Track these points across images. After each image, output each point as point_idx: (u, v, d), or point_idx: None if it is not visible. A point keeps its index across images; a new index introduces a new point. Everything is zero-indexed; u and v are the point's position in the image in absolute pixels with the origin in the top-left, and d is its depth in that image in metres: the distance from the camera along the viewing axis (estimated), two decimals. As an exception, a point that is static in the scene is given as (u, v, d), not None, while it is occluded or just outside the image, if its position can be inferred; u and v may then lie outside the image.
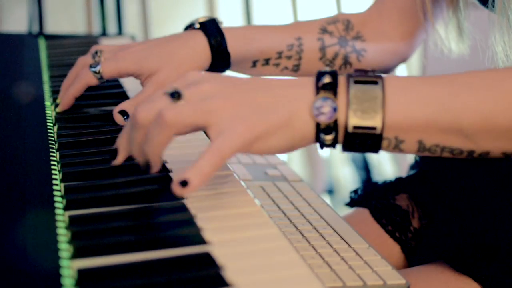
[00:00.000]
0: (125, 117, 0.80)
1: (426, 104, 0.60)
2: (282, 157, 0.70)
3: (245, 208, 0.61)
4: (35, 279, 0.49)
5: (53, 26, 2.25)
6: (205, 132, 0.64)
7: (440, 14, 0.91)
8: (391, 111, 0.59)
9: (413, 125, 0.60)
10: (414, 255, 0.86)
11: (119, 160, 0.63)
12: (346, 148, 0.61)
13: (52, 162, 0.69)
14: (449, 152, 0.62)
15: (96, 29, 2.22)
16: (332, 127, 0.59)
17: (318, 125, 0.59)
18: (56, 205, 0.60)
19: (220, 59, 0.86)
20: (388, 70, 0.98)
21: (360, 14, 0.96)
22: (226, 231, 0.57)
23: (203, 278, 0.50)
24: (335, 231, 0.75)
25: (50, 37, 1.23)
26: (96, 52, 0.84)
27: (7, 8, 2.36)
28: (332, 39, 0.92)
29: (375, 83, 0.60)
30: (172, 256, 0.53)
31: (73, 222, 0.58)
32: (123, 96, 0.90)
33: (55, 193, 0.62)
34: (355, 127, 0.59)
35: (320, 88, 0.60)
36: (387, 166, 2.29)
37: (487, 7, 0.79)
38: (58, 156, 0.71)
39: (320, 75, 0.60)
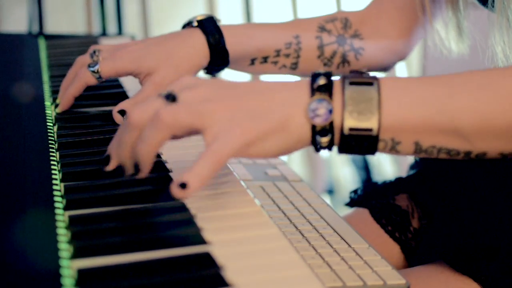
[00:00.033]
0: (125, 116, 0.80)
1: (422, 105, 0.59)
2: (282, 157, 0.70)
3: (245, 208, 0.61)
4: (35, 279, 0.49)
5: (53, 26, 2.24)
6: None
7: (439, 13, 0.91)
8: (387, 112, 0.59)
9: (409, 126, 0.59)
10: (414, 255, 0.86)
11: (111, 166, 0.62)
12: (342, 150, 0.61)
13: (52, 162, 0.69)
14: (446, 153, 0.61)
15: (96, 29, 2.22)
16: (328, 129, 0.59)
17: (313, 127, 0.59)
18: (56, 205, 0.60)
19: (218, 57, 0.86)
20: (387, 68, 0.97)
21: (359, 12, 0.96)
22: (226, 231, 0.57)
23: (203, 278, 0.50)
24: (335, 231, 0.75)
25: (50, 37, 1.23)
26: (94, 52, 0.84)
27: (7, 8, 2.36)
28: (330, 38, 0.92)
29: (371, 84, 0.59)
30: (172, 256, 0.53)
31: (73, 222, 0.58)
32: (123, 96, 0.90)
33: (55, 193, 0.62)
34: (351, 129, 0.59)
35: (315, 89, 0.59)
36: (387, 166, 2.29)
37: (487, 7, 0.79)
38: (58, 156, 0.71)
39: (314, 76, 0.60)
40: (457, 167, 0.86)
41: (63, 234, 0.55)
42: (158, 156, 0.71)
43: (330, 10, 0.97)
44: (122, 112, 0.80)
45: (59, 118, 0.82)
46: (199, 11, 2.34)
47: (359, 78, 0.60)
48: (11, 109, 0.83)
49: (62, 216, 0.58)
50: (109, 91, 0.91)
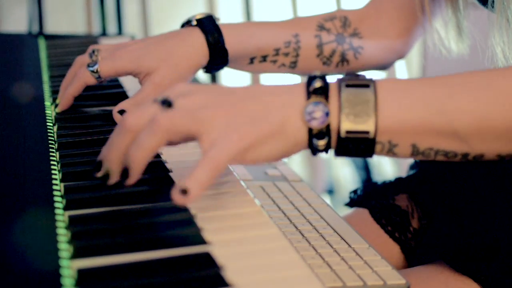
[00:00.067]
0: (120, 120, 0.80)
1: (419, 106, 0.59)
2: (282, 157, 0.69)
3: (245, 208, 0.61)
4: (35, 279, 0.49)
5: (53, 26, 2.25)
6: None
7: (438, 13, 0.91)
8: (384, 115, 0.59)
9: (406, 128, 0.59)
10: (413, 256, 0.86)
11: (101, 173, 0.60)
12: (339, 153, 0.60)
13: (52, 162, 0.69)
14: (443, 155, 0.61)
15: (96, 29, 2.22)
16: (324, 132, 0.59)
17: (310, 130, 0.59)
18: (56, 205, 0.60)
19: (217, 56, 0.86)
20: (386, 67, 0.97)
21: (358, 11, 0.96)
22: (226, 231, 0.57)
23: (203, 278, 0.50)
24: (335, 231, 0.75)
25: (50, 37, 1.23)
26: (93, 51, 0.84)
27: (7, 8, 2.36)
28: (330, 36, 0.92)
29: (367, 86, 0.59)
30: (172, 256, 0.53)
31: (73, 222, 0.58)
32: (123, 96, 0.90)
33: (55, 193, 0.62)
34: (348, 132, 0.58)
35: (311, 92, 0.59)
36: (387, 166, 2.29)
37: (487, 7, 0.79)
38: (58, 156, 0.71)
39: (310, 79, 0.59)
40: (457, 167, 0.86)
41: (63, 234, 0.55)
42: (158, 156, 0.71)
43: (330, 10, 0.96)
44: (122, 112, 0.80)
45: (59, 118, 0.82)
46: (199, 11, 2.34)
47: (355, 80, 0.59)
48: (11, 109, 0.83)
49: (62, 216, 0.58)
50: (109, 91, 0.91)
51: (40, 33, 1.76)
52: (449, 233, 0.79)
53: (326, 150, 0.60)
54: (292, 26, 0.92)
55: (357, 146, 0.59)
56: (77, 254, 0.53)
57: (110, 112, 0.81)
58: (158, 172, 0.67)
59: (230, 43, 0.86)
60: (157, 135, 0.57)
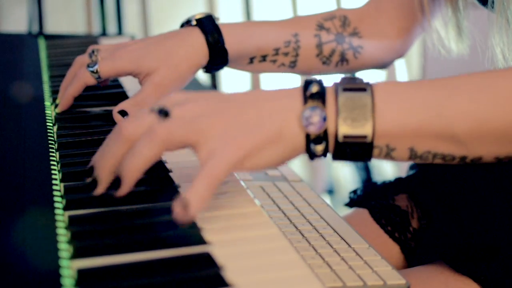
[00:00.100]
0: (125, 117, 0.80)
1: (417, 110, 0.58)
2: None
3: (245, 208, 0.61)
4: (35, 279, 0.49)
5: (53, 26, 2.25)
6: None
7: (438, 12, 0.91)
8: (382, 119, 0.58)
9: (404, 132, 0.59)
10: (413, 256, 0.86)
11: (90, 179, 0.60)
12: (336, 157, 0.60)
13: (52, 162, 0.69)
14: (441, 159, 0.60)
15: (96, 29, 2.22)
16: (322, 137, 0.58)
17: (308, 135, 0.58)
18: (56, 205, 0.60)
19: (217, 56, 0.86)
20: (385, 65, 0.97)
21: (358, 10, 0.95)
22: (226, 231, 0.57)
23: (203, 278, 0.50)
24: (335, 231, 0.75)
25: (50, 37, 1.23)
26: (93, 51, 0.84)
27: (7, 8, 2.36)
28: (329, 36, 0.92)
29: (364, 89, 0.59)
30: (172, 256, 0.53)
31: (72, 222, 0.58)
32: (123, 96, 0.90)
33: (55, 193, 0.62)
34: (345, 136, 0.58)
35: (308, 97, 0.58)
36: (387, 166, 2.29)
37: (487, 7, 0.79)
38: (58, 156, 0.71)
39: (307, 84, 0.59)
40: (457, 168, 0.86)
41: (63, 234, 0.55)
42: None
43: (329, 9, 0.96)
44: (122, 113, 0.80)
45: (59, 118, 0.82)
46: (199, 11, 2.34)
47: (352, 84, 0.59)
48: (11, 109, 0.83)
49: (62, 216, 0.58)
50: (109, 91, 0.91)
51: (40, 33, 1.76)
52: (449, 233, 0.79)
53: (324, 154, 0.59)
54: (291, 25, 0.92)
55: (355, 151, 0.59)
56: (77, 254, 0.53)
57: (110, 112, 0.81)
58: (158, 172, 0.67)
59: (230, 43, 0.86)
60: (154, 145, 0.56)
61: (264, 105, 0.59)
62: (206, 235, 0.56)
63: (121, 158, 0.58)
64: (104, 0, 2.21)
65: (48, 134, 0.76)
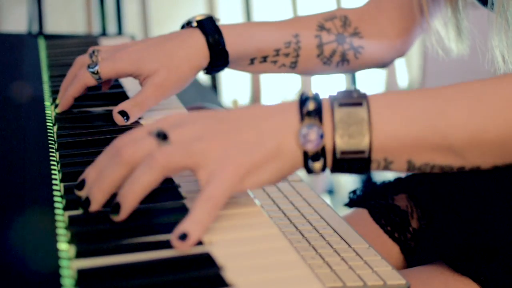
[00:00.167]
0: (125, 117, 0.80)
1: (413, 123, 0.58)
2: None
3: (245, 208, 0.61)
4: (35, 279, 0.49)
5: (52, 26, 2.25)
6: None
7: (438, 13, 0.91)
8: (378, 133, 0.58)
9: (401, 146, 0.59)
10: (413, 256, 0.86)
11: (83, 194, 0.60)
12: (335, 171, 0.60)
13: (51, 162, 0.69)
14: (439, 169, 0.61)
15: (96, 29, 2.22)
16: (320, 154, 0.58)
17: (305, 152, 0.58)
18: (56, 205, 0.60)
19: (218, 58, 0.86)
20: (385, 65, 0.97)
21: (358, 9, 0.95)
22: (226, 231, 0.57)
23: (203, 278, 0.50)
24: (335, 231, 0.75)
25: (49, 37, 1.23)
26: (94, 52, 0.84)
27: (7, 8, 2.36)
28: (330, 36, 0.92)
29: (360, 104, 0.58)
30: (172, 256, 0.53)
31: (72, 222, 0.58)
32: (123, 96, 0.90)
33: (55, 193, 0.62)
34: (343, 152, 0.58)
35: (304, 115, 0.58)
36: (386, 166, 2.28)
37: (487, 6, 0.79)
38: (57, 156, 0.71)
39: (303, 101, 0.59)
40: (457, 168, 0.86)
41: (62, 234, 0.55)
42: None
43: (329, 8, 0.96)
44: (123, 113, 0.80)
45: (58, 118, 0.82)
46: (199, 11, 2.34)
47: (348, 99, 0.59)
48: (11, 109, 0.83)
49: (62, 216, 0.58)
50: (109, 91, 0.91)
51: (40, 33, 1.76)
52: (448, 233, 0.79)
53: (322, 170, 0.60)
54: (292, 26, 0.92)
55: (353, 165, 0.59)
56: (77, 254, 0.53)
57: (110, 112, 0.81)
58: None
59: (231, 44, 0.86)
60: (154, 172, 0.56)
61: (262, 124, 0.59)
62: (206, 235, 0.56)
63: (118, 182, 0.58)
64: (104, 0, 2.21)
65: (48, 134, 0.76)
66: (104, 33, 2.13)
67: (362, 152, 0.58)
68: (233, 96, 2.46)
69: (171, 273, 0.51)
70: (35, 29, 2.10)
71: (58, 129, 0.79)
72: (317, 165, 0.59)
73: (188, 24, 0.87)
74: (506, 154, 0.60)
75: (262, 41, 0.89)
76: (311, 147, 0.58)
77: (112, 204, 0.57)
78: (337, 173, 0.60)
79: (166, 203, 0.61)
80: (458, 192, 0.83)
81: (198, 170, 0.57)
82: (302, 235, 0.74)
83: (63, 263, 0.51)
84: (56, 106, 0.85)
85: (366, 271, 0.67)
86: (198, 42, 0.85)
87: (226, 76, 2.32)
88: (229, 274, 0.50)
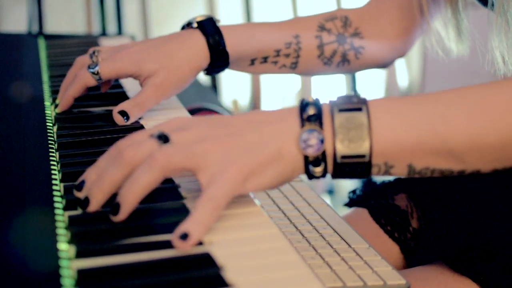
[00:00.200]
0: (125, 117, 0.80)
1: (414, 127, 0.59)
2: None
3: (245, 208, 0.61)
4: (35, 279, 0.49)
5: (52, 26, 2.25)
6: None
7: (437, 13, 0.91)
8: (378, 138, 0.59)
9: (401, 150, 0.59)
10: (413, 256, 0.86)
11: (82, 195, 0.60)
12: (336, 176, 0.61)
13: (51, 162, 0.69)
14: (440, 173, 0.61)
15: (96, 29, 2.22)
16: (320, 159, 0.59)
17: (306, 157, 0.59)
18: (56, 205, 0.60)
19: (218, 59, 0.86)
20: (386, 65, 0.97)
21: (359, 10, 0.95)
22: (226, 231, 0.57)
23: (203, 278, 0.50)
24: (335, 231, 0.75)
25: (49, 37, 1.23)
26: (94, 52, 0.84)
27: (7, 8, 2.36)
28: (330, 37, 0.92)
29: (359, 109, 0.59)
30: (172, 257, 0.53)
31: (72, 222, 0.58)
32: (123, 96, 0.90)
33: (55, 193, 0.62)
34: (343, 157, 0.59)
35: (305, 120, 0.59)
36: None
37: (487, 7, 0.79)
38: (57, 156, 0.71)
39: (303, 106, 0.59)
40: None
41: (62, 234, 0.55)
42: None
43: (330, 9, 0.96)
44: (123, 113, 0.80)
45: (58, 118, 0.82)
46: (199, 11, 2.34)
47: (348, 104, 0.59)
48: (11, 109, 0.83)
49: (61, 216, 0.58)
50: (109, 91, 0.91)
51: (40, 33, 1.76)
52: (448, 233, 0.79)
53: (323, 175, 0.60)
54: (292, 26, 0.92)
55: (354, 170, 0.59)
56: (77, 254, 0.53)
57: (110, 112, 0.81)
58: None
59: (231, 45, 0.86)
60: (154, 172, 0.57)
61: (263, 129, 0.59)
62: (206, 235, 0.56)
63: (119, 182, 0.58)
64: (104, 0, 2.21)
65: (48, 134, 0.76)
66: (104, 33, 2.13)
67: (362, 156, 0.59)
68: (233, 96, 2.47)
69: (171, 273, 0.51)
70: (35, 29, 2.10)
71: (58, 129, 0.79)
72: (318, 170, 0.59)
73: (188, 25, 0.87)
74: (506, 158, 0.60)
75: (262, 41, 0.89)
76: (311, 152, 0.58)
77: (112, 204, 0.58)
78: (338, 178, 0.61)
79: (166, 203, 0.61)
80: (458, 192, 0.83)
81: (199, 171, 0.57)
82: (302, 235, 0.74)
83: (63, 263, 0.51)
84: (56, 106, 0.85)
85: (366, 271, 0.67)
86: (199, 43, 0.85)
87: (226, 76, 2.32)
88: (229, 274, 0.50)
